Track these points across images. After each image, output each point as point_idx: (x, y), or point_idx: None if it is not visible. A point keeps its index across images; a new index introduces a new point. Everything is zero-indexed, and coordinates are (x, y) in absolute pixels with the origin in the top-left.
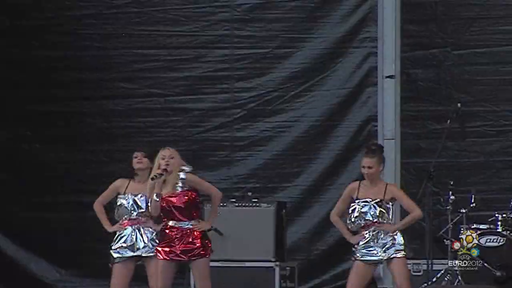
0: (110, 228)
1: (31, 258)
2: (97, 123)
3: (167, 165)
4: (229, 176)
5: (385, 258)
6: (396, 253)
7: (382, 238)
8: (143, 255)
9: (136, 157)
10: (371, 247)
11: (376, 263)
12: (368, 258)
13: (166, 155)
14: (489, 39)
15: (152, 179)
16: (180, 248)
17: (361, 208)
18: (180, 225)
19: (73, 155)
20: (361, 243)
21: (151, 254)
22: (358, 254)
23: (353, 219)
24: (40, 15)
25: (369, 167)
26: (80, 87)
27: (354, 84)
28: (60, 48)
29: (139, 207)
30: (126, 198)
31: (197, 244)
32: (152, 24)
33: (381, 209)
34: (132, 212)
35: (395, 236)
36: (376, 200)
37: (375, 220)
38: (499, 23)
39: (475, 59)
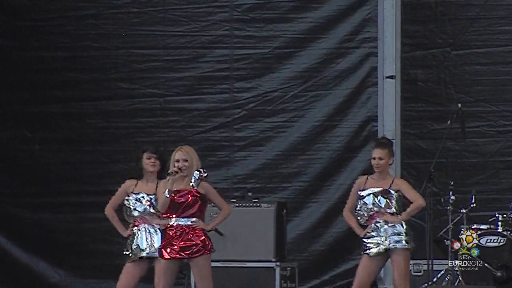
0: (124, 233)
1: (31, 259)
2: (96, 123)
3: (182, 168)
4: (228, 176)
5: (386, 246)
6: (397, 242)
7: (384, 227)
8: (147, 256)
9: (149, 159)
10: (374, 237)
11: (380, 254)
12: (374, 249)
13: (180, 159)
14: (489, 40)
15: (168, 174)
16: (180, 245)
17: (363, 198)
18: (179, 223)
19: (73, 156)
20: (367, 234)
21: (154, 255)
22: (366, 248)
23: (357, 209)
24: (40, 16)
25: (380, 158)
26: (80, 88)
27: (354, 84)
28: (60, 48)
29: (141, 206)
30: (129, 199)
31: (197, 241)
32: (152, 24)
33: (385, 199)
34: (135, 212)
35: (397, 226)
36: (379, 189)
37: (376, 209)
38: (499, 24)
39: (475, 59)
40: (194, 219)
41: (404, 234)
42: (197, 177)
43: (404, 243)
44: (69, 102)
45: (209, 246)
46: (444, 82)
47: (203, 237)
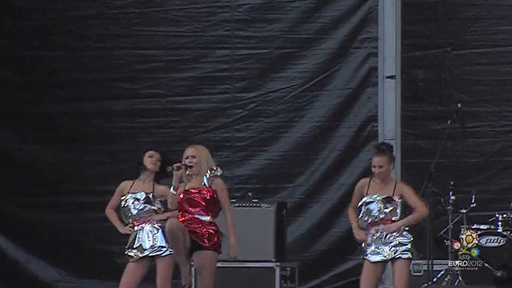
0: (122, 230)
1: (31, 259)
2: (98, 123)
3: (190, 166)
4: (229, 176)
5: (391, 257)
6: (402, 254)
7: (389, 237)
8: (150, 255)
9: (151, 157)
10: (379, 246)
11: (384, 261)
12: (376, 258)
13: (189, 155)
14: (489, 40)
15: (168, 169)
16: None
17: (367, 205)
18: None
19: (74, 156)
20: (369, 240)
21: (158, 253)
22: (367, 253)
23: (360, 215)
24: (41, 16)
25: (380, 166)
26: (81, 88)
27: (354, 84)
28: (61, 48)
29: (139, 205)
30: (127, 198)
31: (203, 231)
32: (153, 24)
33: (390, 206)
34: (133, 211)
35: (403, 234)
36: (384, 196)
37: (381, 217)
38: (499, 24)
39: (476, 59)
40: (208, 217)
41: (410, 245)
42: (207, 176)
43: (409, 254)
44: (70, 102)
45: (215, 243)
46: (445, 82)
47: (215, 233)
